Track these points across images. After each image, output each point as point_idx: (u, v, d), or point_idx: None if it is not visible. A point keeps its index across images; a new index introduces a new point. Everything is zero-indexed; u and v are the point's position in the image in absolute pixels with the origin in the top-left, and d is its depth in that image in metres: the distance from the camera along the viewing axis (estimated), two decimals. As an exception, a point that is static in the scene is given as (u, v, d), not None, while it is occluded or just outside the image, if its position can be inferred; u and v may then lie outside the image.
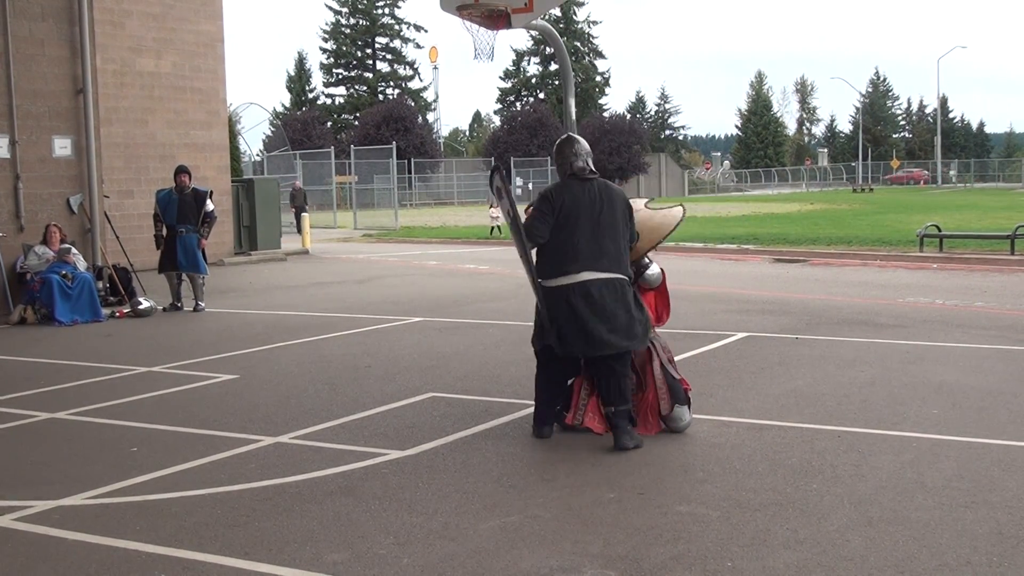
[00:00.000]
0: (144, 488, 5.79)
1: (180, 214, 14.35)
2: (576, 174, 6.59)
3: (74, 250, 14.14)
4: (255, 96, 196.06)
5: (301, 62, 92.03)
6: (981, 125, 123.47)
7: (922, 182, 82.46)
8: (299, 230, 32.50)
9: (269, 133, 70.61)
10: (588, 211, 6.45)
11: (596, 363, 6.55)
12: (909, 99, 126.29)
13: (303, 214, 30.44)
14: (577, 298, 6.40)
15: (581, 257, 6.41)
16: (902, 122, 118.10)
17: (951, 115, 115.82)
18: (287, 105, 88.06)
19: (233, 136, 29.63)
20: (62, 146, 14.78)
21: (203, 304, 14.37)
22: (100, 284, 14.55)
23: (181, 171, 14.66)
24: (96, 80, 15.38)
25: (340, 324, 12.46)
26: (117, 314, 13.80)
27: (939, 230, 21.74)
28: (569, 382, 6.85)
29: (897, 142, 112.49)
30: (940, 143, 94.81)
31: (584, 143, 6.74)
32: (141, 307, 13.92)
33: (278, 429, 7.12)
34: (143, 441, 6.90)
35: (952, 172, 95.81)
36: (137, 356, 10.45)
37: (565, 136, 6.88)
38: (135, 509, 5.44)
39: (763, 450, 6.35)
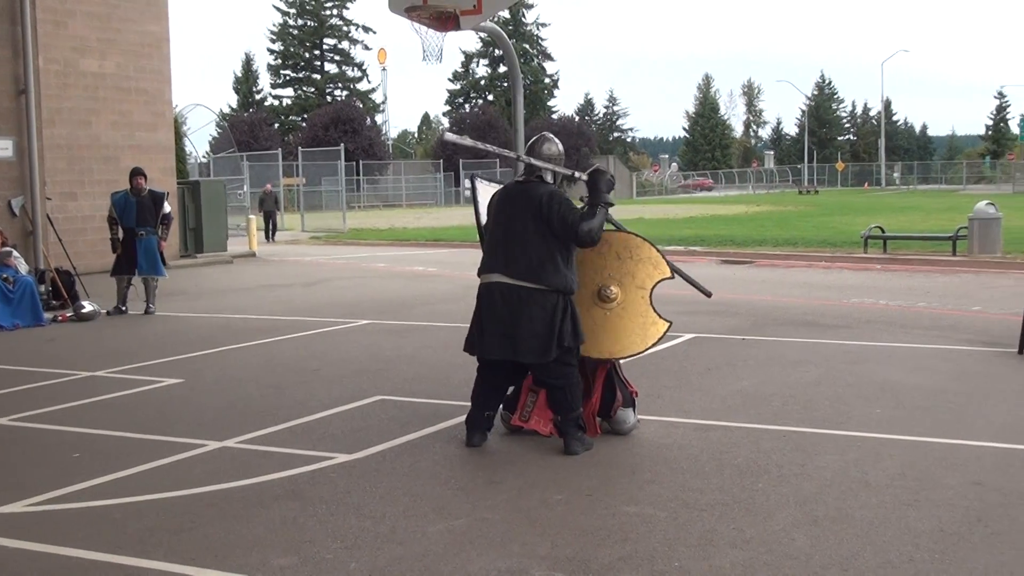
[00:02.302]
0: (87, 494, 5.70)
1: (139, 216, 14.17)
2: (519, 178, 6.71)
3: (15, 253, 13.88)
4: (201, 97, 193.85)
5: (248, 63, 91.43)
6: (924, 128, 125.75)
7: (700, 190, 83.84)
8: (268, 235, 32.67)
9: (215, 135, 70.01)
10: (509, 215, 6.53)
11: (538, 374, 6.56)
12: (854, 102, 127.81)
13: (273, 218, 30.37)
14: (485, 298, 6.53)
15: (495, 259, 6.51)
16: (847, 125, 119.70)
17: (895, 118, 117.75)
18: (234, 106, 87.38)
19: (179, 138, 29.24)
20: (3, 147, 14.57)
21: (154, 307, 14.21)
22: (42, 288, 14.33)
23: (137, 173, 14.43)
24: (38, 80, 15.18)
25: (288, 327, 12.37)
26: (59, 318, 13.59)
27: (883, 231, 22.04)
28: (510, 389, 6.85)
29: (842, 144, 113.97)
30: (884, 145, 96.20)
31: (547, 146, 6.70)
32: (84, 311, 13.72)
33: (224, 433, 7.05)
34: (86, 446, 6.80)
35: (896, 174, 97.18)
36: (80, 360, 10.30)
37: (534, 139, 6.87)
38: (77, 516, 5.36)
39: (710, 450, 6.40)
